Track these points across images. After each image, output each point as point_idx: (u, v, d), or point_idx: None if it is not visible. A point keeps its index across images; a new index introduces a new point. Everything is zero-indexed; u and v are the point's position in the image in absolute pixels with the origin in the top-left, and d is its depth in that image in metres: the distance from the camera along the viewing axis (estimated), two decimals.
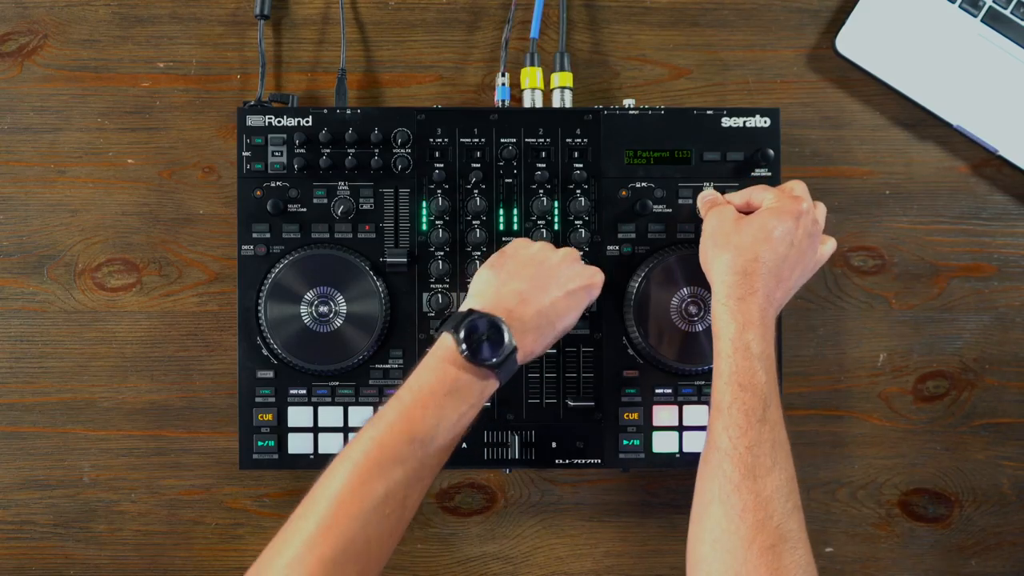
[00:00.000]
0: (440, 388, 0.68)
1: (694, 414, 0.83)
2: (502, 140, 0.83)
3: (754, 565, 0.65)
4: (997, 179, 0.91)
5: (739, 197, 0.79)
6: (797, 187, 0.77)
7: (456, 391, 0.68)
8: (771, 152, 0.82)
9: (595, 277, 0.77)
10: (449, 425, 0.68)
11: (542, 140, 0.83)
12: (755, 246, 0.73)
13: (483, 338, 0.69)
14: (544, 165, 0.83)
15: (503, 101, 0.87)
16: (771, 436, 0.69)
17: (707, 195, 0.81)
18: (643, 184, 0.83)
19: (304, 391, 0.82)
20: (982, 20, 0.88)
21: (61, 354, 0.89)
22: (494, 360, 0.69)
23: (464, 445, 0.82)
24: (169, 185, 0.89)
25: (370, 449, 0.66)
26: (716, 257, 0.74)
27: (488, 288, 0.74)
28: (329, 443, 0.82)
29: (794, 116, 0.89)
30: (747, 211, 0.78)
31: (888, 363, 0.90)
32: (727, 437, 0.69)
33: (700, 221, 0.82)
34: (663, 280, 0.81)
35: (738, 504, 0.67)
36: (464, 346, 0.68)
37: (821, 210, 0.78)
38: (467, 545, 0.90)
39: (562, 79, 0.87)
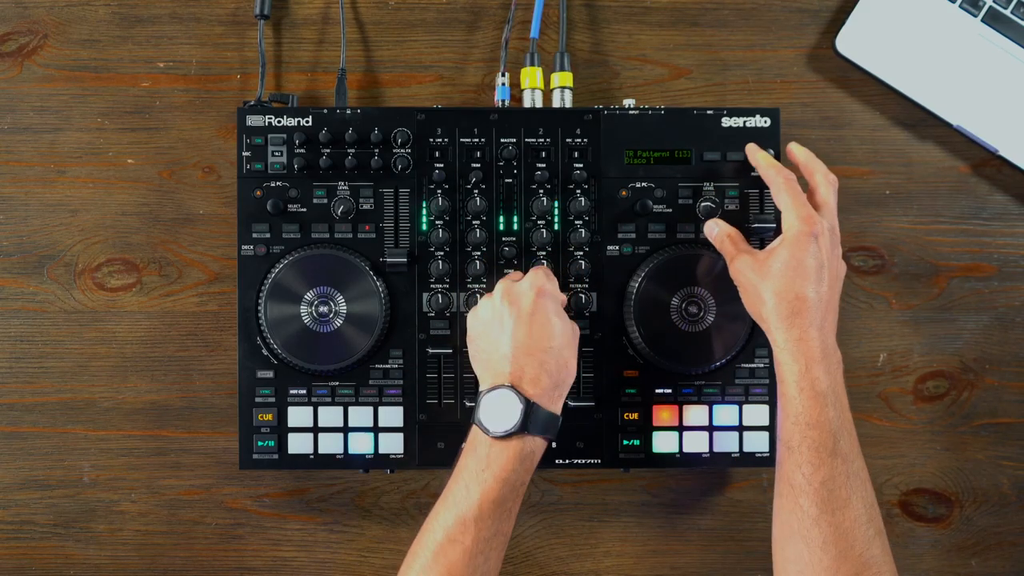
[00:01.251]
0: (476, 467, 0.72)
1: (694, 414, 0.83)
2: (502, 140, 0.83)
3: None
4: (997, 179, 0.91)
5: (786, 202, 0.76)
6: (798, 206, 0.75)
7: (490, 465, 0.71)
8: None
9: (536, 280, 0.76)
10: (492, 499, 0.70)
11: (542, 140, 0.83)
12: (793, 285, 0.72)
13: (500, 411, 0.72)
14: (544, 165, 0.83)
15: (503, 101, 0.87)
16: (845, 468, 0.69)
17: (713, 233, 0.80)
18: (643, 184, 0.83)
19: (304, 391, 0.82)
20: (982, 20, 0.88)
21: (61, 354, 0.89)
22: (513, 428, 0.71)
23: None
24: (169, 185, 0.89)
25: (429, 540, 0.71)
26: (761, 307, 0.74)
27: (483, 371, 0.76)
28: (329, 443, 0.82)
29: (794, 116, 0.89)
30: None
31: (888, 363, 0.90)
32: (800, 475, 0.69)
33: (700, 221, 0.82)
34: (663, 280, 0.81)
35: (818, 538, 0.68)
36: (487, 426, 0.72)
37: (830, 215, 0.77)
38: None
39: (562, 79, 0.87)
